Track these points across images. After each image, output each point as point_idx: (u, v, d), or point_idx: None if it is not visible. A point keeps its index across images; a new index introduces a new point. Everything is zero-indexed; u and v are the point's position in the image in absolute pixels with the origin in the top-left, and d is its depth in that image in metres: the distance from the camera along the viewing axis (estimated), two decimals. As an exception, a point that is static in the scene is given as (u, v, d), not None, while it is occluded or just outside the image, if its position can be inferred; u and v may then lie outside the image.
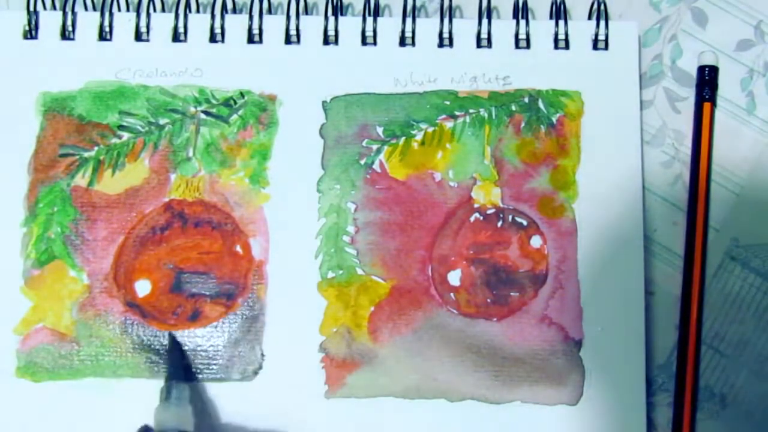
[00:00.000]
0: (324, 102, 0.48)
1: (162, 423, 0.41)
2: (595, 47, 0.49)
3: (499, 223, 0.47)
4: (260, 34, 0.49)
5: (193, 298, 0.46)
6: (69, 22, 0.49)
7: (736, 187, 0.48)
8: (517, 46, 0.49)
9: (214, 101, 0.48)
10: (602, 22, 0.49)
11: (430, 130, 0.48)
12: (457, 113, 0.48)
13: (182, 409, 0.42)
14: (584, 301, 0.46)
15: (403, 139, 0.48)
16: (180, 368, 0.44)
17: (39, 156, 0.47)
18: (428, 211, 0.47)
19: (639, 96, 0.48)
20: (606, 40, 0.49)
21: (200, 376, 0.45)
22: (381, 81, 0.48)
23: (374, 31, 0.49)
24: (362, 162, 0.48)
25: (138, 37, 0.49)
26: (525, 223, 0.47)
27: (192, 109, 0.48)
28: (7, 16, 0.49)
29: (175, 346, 0.45)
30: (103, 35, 0.49)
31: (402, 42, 0.49)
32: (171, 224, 0.47)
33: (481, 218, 0.47)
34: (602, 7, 0.49)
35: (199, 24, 0.49)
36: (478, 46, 0.49)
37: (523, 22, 0.49)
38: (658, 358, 0.46)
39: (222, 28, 0.49)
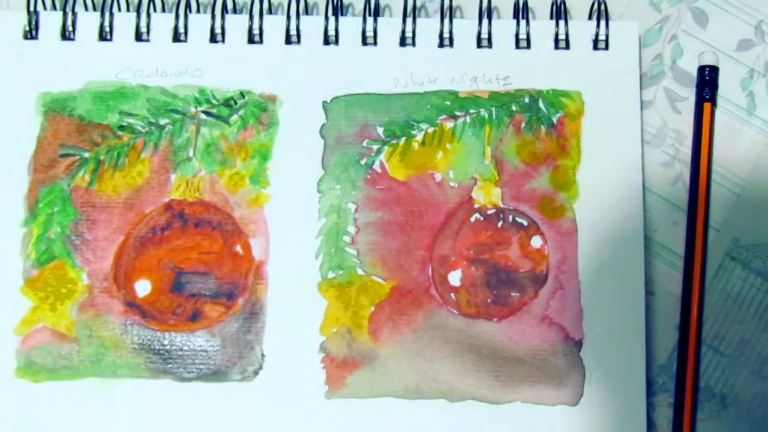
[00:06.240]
0: (324, 102, 0.48)
1: None
2: (595, 47, 0.49)
3: (500, 224, 0.47)
4: (260, 34, 0.49)
5: (193, 298, 0.46)
6: (69, 22, 0.49)
7: (736, 187, 0.48)
8: (517, 46, 0.49)
9: (214, 101, 0.48)
10: (602, 22, 0.49)
11: (431, 130, 0.48)
12: (457, 113, 0.48)
13: None
14: (584, 301, 0.46)
15: (403, 139, 0.48)
16: None
17: (39, 156, 0.47)
18: (428, 211, 0.47)
19: (639, 96, 0.48)
20: (606, 40, 0.49)
21: (200, 376, 0.45)
22: (381, 81, 0.48)
23: (374, 31, 0.49)
24: (362, 162, 0.47)
25: (138, 37, 0.49)
26: (525, 223, 0.47)
27: (192, 110, 0.48)
28: (7, 16, 0.49)
29: None
30: (104, 35, 0.49)
31: (402, 42, 0.49)
32: (171, 224, 0.47)
33: (482, 218, 0.47)
34: (602, 7, 0.49)
35: (199, 24, 0.49)
36: (479, 46, 0.49)
37: (523, 22, 0.49)
38: (659, 358, 0.46)
39: (222, 28, 0.49)
